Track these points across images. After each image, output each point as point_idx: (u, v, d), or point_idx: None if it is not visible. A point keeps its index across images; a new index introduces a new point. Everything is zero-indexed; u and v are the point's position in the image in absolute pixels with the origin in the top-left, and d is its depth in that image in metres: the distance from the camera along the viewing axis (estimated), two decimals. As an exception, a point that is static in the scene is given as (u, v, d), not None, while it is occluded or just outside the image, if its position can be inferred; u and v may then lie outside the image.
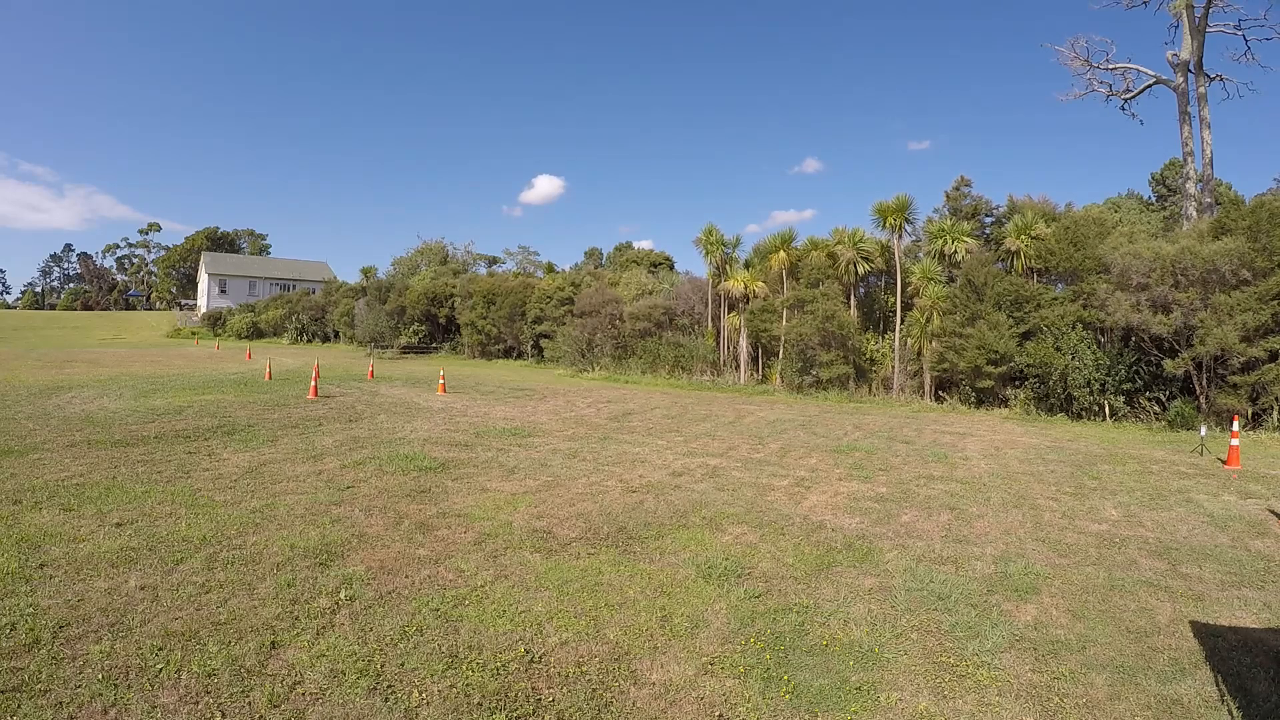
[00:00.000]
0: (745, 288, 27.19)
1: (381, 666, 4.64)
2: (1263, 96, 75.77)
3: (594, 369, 30.49)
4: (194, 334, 56.77)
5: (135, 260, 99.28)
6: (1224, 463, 12.35)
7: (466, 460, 11.18)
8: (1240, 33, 25.75)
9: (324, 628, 5.15)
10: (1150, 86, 27.69)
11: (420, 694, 4.35)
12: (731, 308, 28.39)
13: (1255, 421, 16.59)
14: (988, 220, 28.90)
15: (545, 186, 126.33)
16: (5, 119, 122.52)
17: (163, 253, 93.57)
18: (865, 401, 22.37)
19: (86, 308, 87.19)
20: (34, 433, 11.91)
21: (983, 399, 20.76)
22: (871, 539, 7.77)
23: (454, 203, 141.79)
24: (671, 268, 45.10)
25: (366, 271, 58.18)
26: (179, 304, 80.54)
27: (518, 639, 5.12)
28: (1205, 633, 5.52)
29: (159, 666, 4.51)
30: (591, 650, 5.01)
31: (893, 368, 23.58)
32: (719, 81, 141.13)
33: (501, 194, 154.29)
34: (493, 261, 60.10)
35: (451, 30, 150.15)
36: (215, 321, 59.22)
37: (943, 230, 23.70)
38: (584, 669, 4.75)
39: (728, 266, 28.87)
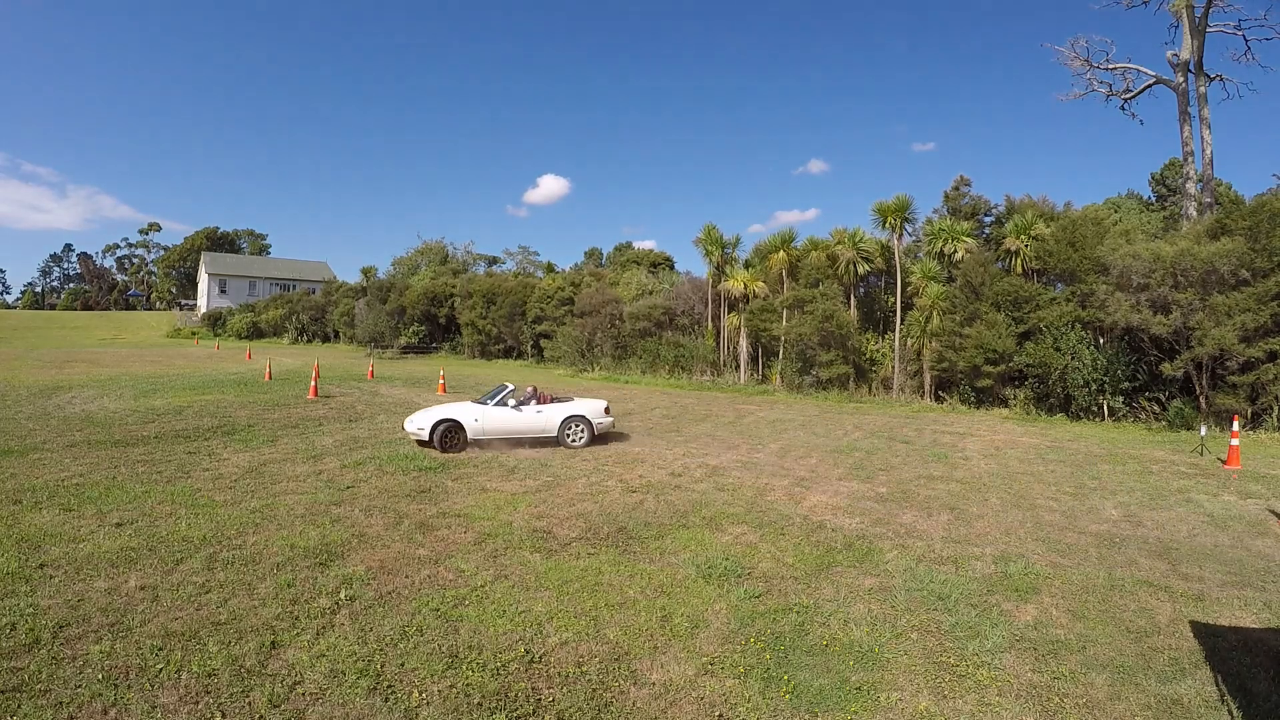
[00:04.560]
0: (745, 288, 27.19)
1: (381, 666, 4.64)
2: (1263, 96, 75.90)
3: (594, 369, 30.49)
4: (194, 334, 56.70)
5: (135, 260, 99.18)
6: (1224, 463, 12.36)
7: (466, 460, 11.19)
8: (1240, 33, 25.75)
9: (324, 628, 5.15)
10: (1150, 86, 27.68)
11: (420, 694, 4.35)
12: (731, 308, 28.39)
13: (1255, 421, 16.59)
14: (987, 220, 28.88)
15: (550, 186, 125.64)
16: (8, 120, 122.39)
17: (163, 253, 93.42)
18: (865, 401, 22.38)
19: (86, 308, 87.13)
20: (34, 433, 11.91)
21: (982, 399, 20.77)
22: (871, 539, 7.77)
23: (457, 203, 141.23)
24: (672, 268, 45.00)
25: (366, 271, 58.14)
26: (179, 304, 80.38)
27: (518, 639, 5.12)
28: (1205, 633, 5.52)
29: (159, 666, 4.51)
30: (591, 650, 5.01)
31: (893, 368, 23.58)
32: (724, 83, 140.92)
33: (506, 194, 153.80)
34: (493, 261, 60.06)
35: (455, 31, 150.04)
36: (215, 321, 59.17)
37: (942, 230, 23.70)
38: (584, 669, 4.76)
39: (728, 266, 28.87)
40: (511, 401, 12.35)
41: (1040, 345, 19.26)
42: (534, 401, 12.52)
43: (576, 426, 12.47)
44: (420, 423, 11.78)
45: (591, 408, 12.81)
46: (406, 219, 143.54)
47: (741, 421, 16.72)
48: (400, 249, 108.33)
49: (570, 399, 13.24)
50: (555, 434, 12.31)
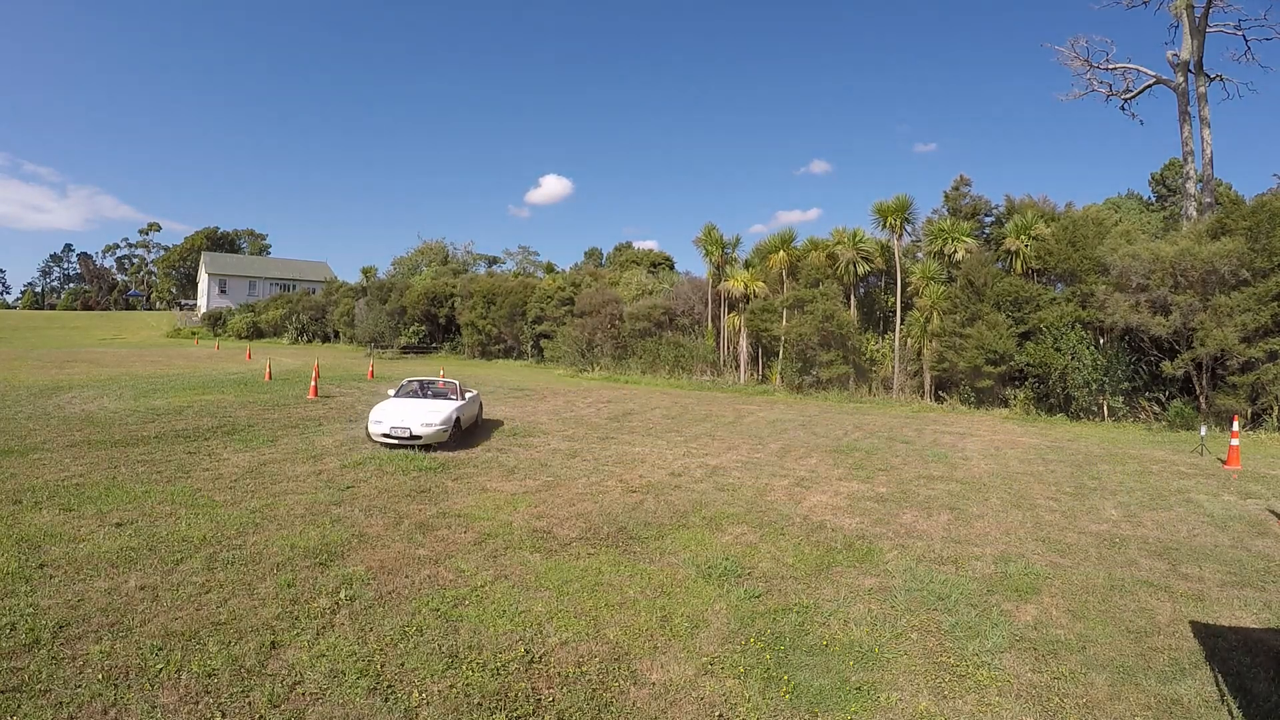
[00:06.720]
0: (745, 288, 27.18)
1: (381, 666, 4.64)
2: (1263, 96, 75.97)
3: (594, 369, 30.48)
4: (194, 334, 56.63)
5: (135, 260, 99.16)
6: (1224, 463, 12.36)
7: (466, 460, 11.19)
8: (1240, 33, 25.74)
9: (324, 628, 5.15)
10: (1150, 86, 27.67)
11: (420, 694, 4.35)
12: (731, 308, 28.39)
13: (1255, 421, 16.59)
14: (987, 220, 28.89)
15: (552, 186, 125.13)
16: (8, 120, 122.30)
17: (163, 253, 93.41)
18: (865, 401, 22.37)
19: (86, 308, 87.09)
20: (34, 433, 11.90)
21: (982, 399, 20.76)
22: (871, 539, 7.77)
23: (459, 203, 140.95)
24: (672, 268, 44.98)
25: (367, 271, 58.09)
26: (179, 304, 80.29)
27: (518, 639, 5.12)
28: (1205, 633, 5.52)
29: (159, 666, 4.51)
30: (591, 650, 5.01)
31: (893, 368, 23.58)
32: (726, 83, 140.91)
33: (508, 194, 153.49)
34: (493, 261, 60.08)
35: (458, 30, 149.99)
36: (215, 321, 59.12)
37: (942, 230, 23.69)
38: (584, 669, 4.76)
39: (728, 266, 28.88)
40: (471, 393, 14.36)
41: (1040, 345, 19.26)
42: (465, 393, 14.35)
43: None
44: (429, 420, 11.91)
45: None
46: (407, 219, 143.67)
47: (741, 421, 16.72)
48: (400, 249, 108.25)
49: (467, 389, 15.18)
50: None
